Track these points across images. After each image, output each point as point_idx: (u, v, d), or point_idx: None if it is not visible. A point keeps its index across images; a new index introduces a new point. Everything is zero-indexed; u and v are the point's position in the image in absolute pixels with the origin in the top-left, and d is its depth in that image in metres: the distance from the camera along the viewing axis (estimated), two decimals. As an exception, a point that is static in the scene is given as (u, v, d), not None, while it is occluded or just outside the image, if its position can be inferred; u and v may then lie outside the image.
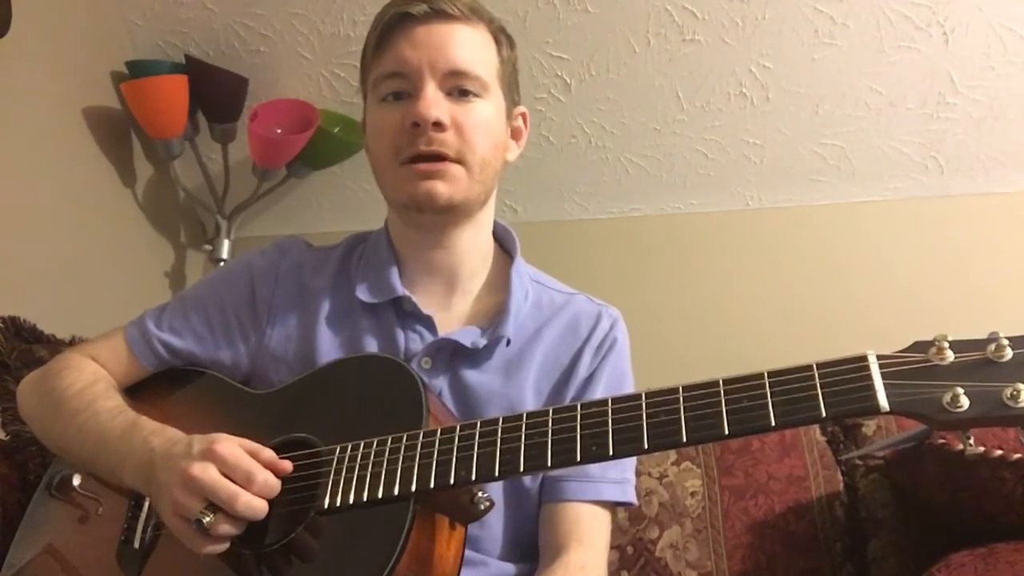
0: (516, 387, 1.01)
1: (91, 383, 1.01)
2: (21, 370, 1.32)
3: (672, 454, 1.44)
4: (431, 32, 0.97)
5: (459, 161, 0.98)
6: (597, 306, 1.11)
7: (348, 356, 0.99)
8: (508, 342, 1.03)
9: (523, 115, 1.10)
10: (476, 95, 0.99)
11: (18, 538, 1.05)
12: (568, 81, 1.91)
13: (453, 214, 1.01)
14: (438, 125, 0.96)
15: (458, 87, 0.98)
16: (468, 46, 0.99)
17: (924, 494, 1.26)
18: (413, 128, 0.96)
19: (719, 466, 1.43)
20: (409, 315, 1.03)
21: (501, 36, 1.04)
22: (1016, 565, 1.05)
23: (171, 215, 2.16)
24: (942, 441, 1.17)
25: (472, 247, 1.07)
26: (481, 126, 0.99)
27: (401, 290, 1.03)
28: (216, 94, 1.96)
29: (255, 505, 0.79)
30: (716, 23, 1.80)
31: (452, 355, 1.01)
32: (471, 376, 1.01)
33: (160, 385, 1.07)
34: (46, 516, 1.05)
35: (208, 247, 2.13)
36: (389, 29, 0.99)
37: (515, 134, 1.09)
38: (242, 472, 0.79)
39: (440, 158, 0.97)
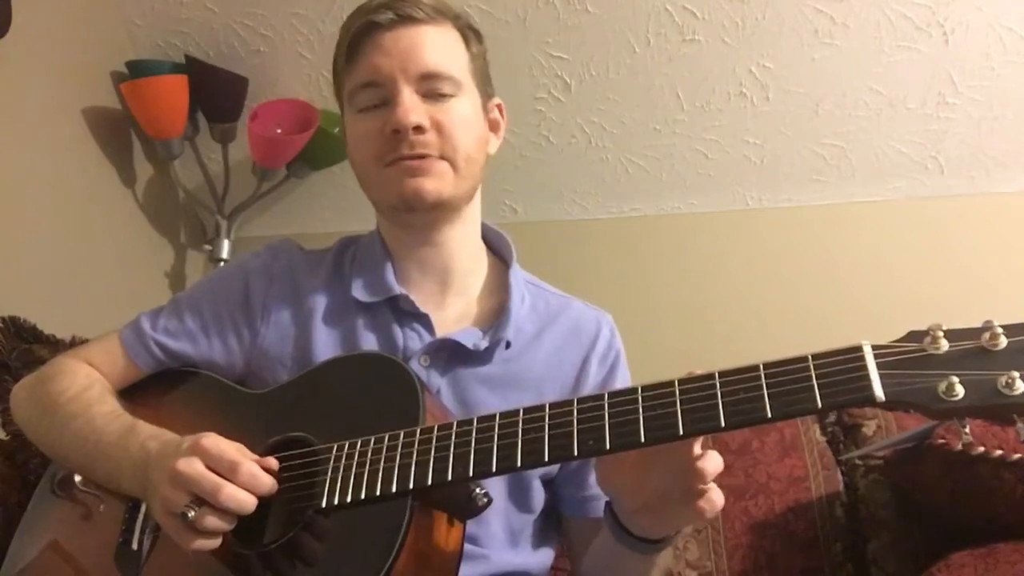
0: (515, 390, 1.01)
1: (85, 388, 1.01)
2: (21, 370, 1.32)
3: (672, 454, 1.44)
4: (399, 38, 0.98)
5: (443, 158, 0.99)
6: (594, 312, 1.12)
7: (344, 354, 0.99)
8: (508, 344, 1.03)
9: (499, 107, 1.11)
10: (451, 94, 1.00)
11: (20, 533, 1.05)
12: (568, 81, 1.91)
13: (442, 211, 1.02)
14: (418, 129, 0.97)
15: (433, 89, 0.99)
16: (437, 47, 1.00)
17: (924, 494, 1.26)
18: (394, 135, 0.97)
19: (719, 466, 1.42)
20: (406, 314, 1.03)
21: (468, 32, 1.05)
22: (1016, 565, 1.05)
23: (171, 215, 2.16)
24: (942, 441, 1.16)
25: (462, 243, 1.07)
26: (461, 123, 1.00)
27: (398, 288, 1.03)
28: (216, 94, 1.96)
29: (239, 497, 0.78)
30: (716, 23, 1.80)
31: (451, 355, 1.01)
32: (470, 377, 1.01)
33: (155, 386, 1.07)
34: (48, 513, 1.05)
35: (208, 247, 2.13)
36: (357, 39, 1.00)
37: (493, 126, 1.10)
38: (225, 463, 0.79)
39: (424, 157, 0.98)
